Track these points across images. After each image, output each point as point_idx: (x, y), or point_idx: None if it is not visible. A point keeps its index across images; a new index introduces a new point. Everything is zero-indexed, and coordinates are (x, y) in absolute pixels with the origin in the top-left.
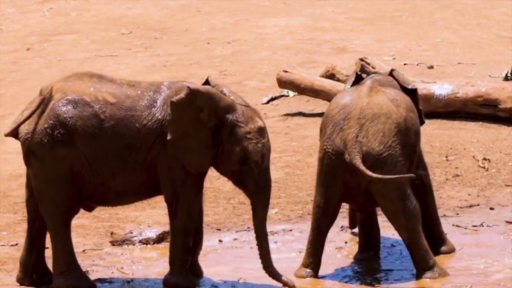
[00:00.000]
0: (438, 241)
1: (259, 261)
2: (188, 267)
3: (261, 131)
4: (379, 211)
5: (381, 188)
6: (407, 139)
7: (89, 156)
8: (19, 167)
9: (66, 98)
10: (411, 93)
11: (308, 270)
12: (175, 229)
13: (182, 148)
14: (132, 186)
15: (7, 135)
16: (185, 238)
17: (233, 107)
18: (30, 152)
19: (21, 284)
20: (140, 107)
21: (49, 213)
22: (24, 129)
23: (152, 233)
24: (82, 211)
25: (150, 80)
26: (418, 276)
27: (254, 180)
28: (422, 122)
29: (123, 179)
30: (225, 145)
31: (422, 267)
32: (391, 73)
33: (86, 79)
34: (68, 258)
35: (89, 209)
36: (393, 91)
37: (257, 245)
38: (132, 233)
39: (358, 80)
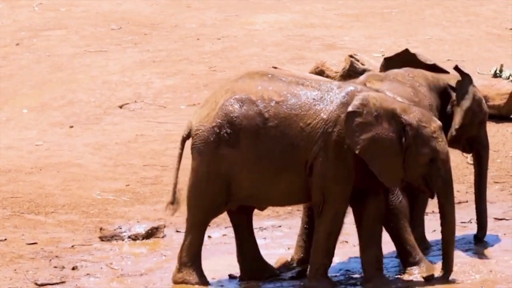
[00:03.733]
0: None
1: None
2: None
3: (442, 129)
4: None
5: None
6: None
7: (252, 156)
8: (8, 163)
9: (234, 97)
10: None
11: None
12: (319, 231)
13: (371, 158)
14: (295, 187)
15: (185, 137)
16: (327, 241)
17: (410, 108)
18: (196, 148)
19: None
20: (305, 105)
21: (193, 205)
22: (195, 125)
23: (141, 229)
24: (70, 205)
25: (316, 78)
26: (405, 271)
27: (442, 179)
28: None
29: (285, 179)
30: (412, 148)
31: (408, 262)
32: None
33: (257, 77)
34: (193, 253)
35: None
36: (390, 85)
37: (442, 249)
38: (121, 228)
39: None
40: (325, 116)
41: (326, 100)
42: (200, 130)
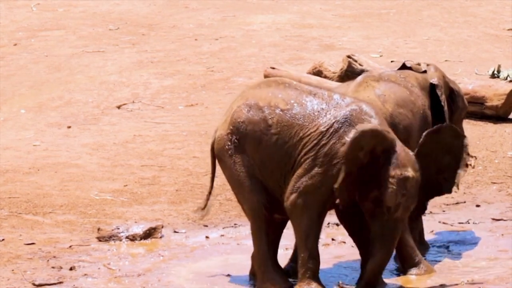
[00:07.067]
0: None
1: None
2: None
3: (406, 182)
4: None
5: None
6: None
7: (258, 162)
8: (6, 163)
9: (244, 103)
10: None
11: (295, 265)
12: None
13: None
14: None
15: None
16: (305, 243)
17: (392, 148)
18: (218, 158)
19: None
20: (309, 116)
21: (246, 215)
22: (216, 135)
23: (139, 229)
24: (67, 205)
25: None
26: (404, 273)
27: (380, 224)
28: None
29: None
30: (367, 181)
31: (408, 264)
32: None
33: (274, 85)
34: (263, 260)
35: (277, 218)
36: (386, 86)
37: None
38: (119, 229)
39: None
40: (323, 129)
41: (329, 116)
42: (218, 138)
